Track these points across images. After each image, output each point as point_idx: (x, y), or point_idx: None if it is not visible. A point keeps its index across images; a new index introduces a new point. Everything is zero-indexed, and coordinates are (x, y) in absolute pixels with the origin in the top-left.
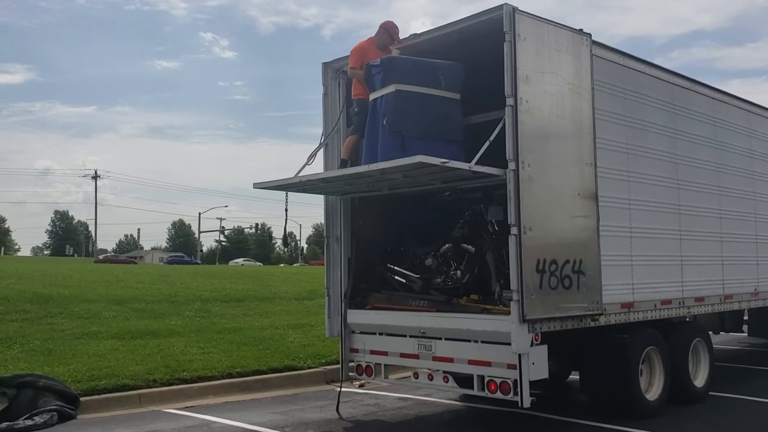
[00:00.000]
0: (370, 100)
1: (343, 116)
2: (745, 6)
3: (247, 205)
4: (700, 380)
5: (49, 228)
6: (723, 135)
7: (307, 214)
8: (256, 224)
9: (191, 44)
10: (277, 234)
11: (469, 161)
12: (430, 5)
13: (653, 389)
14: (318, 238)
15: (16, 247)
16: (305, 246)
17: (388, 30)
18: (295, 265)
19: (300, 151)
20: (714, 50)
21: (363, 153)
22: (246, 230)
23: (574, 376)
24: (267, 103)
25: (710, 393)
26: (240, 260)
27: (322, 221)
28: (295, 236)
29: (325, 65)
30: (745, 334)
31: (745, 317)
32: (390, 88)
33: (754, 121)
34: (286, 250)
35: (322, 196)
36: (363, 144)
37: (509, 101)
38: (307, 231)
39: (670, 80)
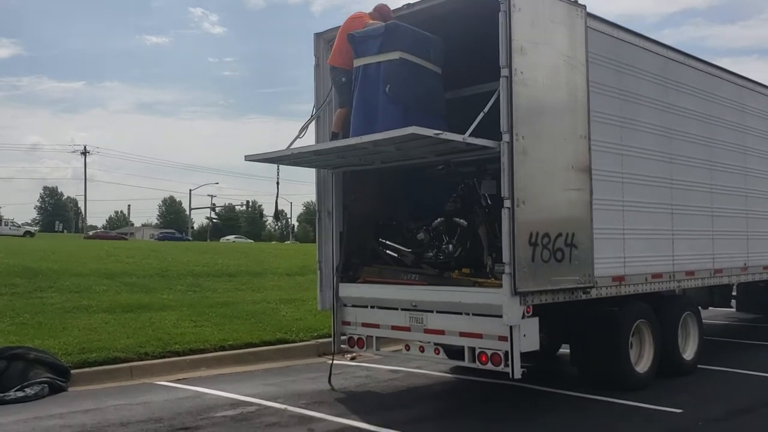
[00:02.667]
0: (358, 66)
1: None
2: None
3: (238, 182)
4: (689, 353)
5: (38, 204)
6: (715, 109)
7: (297, 192)
8: (247, 201)
9: (180, 19)
10: (268, 211)
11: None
12: None
13: (643, 362)
14: (309, 216)
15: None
16: (296, 224)
17: (382, 12)
18: (286, 242)
19: (290, 127)
20: (704, 28)
21: (352, 122)
22: (237, 207)
23: (564, 350)
24: (257, 79)
25: (699, 366)
26: (231, 237)
27: (313, 199)
28: (285, 214)
29: (317, 36)
30: (734, 309)
31: (734, 293)
32: (393, 55)
33: (747, 96)
34: (277, 225)
35: (314, 173)
36: (352, 113)
37: (504, 72)
38: (298, 209)
39: (664, 54)
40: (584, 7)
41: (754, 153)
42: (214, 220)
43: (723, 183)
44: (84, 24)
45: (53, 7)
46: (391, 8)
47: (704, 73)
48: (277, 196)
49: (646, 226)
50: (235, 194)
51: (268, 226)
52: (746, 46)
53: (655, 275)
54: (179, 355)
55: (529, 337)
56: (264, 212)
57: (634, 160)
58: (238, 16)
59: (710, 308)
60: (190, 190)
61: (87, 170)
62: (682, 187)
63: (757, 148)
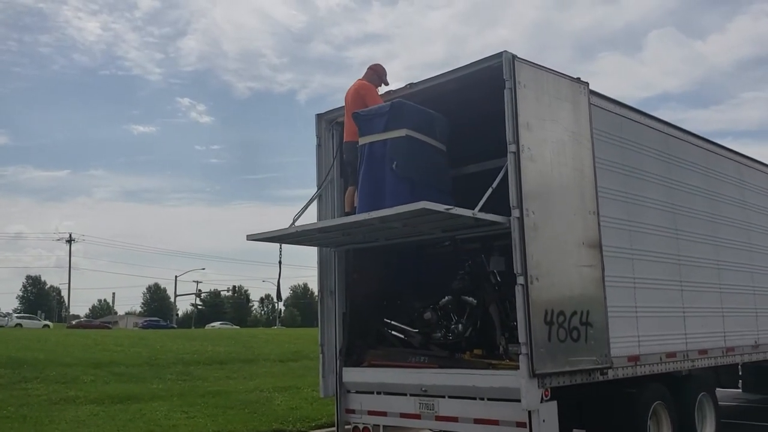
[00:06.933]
0: (364, 144)
1: (336, 167)
2: (707, 70)
3: (223, 267)
4: None
5: (20, 294)
6: (717, 186)
7: (284, 276)
8: (233, 287)
9: (168, 109)
10: (254, 296)
11: None
12: (405, 71)
13: None
14: (296, 300)
15: None
16: (282, 309)
17: (378, 72)
18: (273, 328)
19: (275, 212)
20: (680, 112)
21: (359, 200)
22: (222, 293)
23: None
24: (243, 165)
25: None
26: (216, 324)
27: (301, 283)
28: (272, 299)
29: (319, 116)
30: (740, 390)
31: (739, 372)
32: (400, 132)
33: (746, 172)
34: (263, 309)
35: (304, 254)
36: (358, 191)
37: (511, 148)
38: (285, 293)
39: (665, 130)
40: (587, 84)
41: (757, 229)
42: (199, 307)
43: (729, 259)
44: (70, 114)
45: (40, 97)
46: (394, 89)
47: (704, 149)
48: (279, 276)
49: (657, 304)
50: (220, 279)
51: (254, 312)
52: (720, 129)
53: (669, 354)
54: None
55: (549, 422)
56: (250, 297)
57: (641, 236)
58: (225, 105)
59: (717, 389)
60: (176, 276)
61: (71, 258)
62: (690, 263)
63: (758, 224)
